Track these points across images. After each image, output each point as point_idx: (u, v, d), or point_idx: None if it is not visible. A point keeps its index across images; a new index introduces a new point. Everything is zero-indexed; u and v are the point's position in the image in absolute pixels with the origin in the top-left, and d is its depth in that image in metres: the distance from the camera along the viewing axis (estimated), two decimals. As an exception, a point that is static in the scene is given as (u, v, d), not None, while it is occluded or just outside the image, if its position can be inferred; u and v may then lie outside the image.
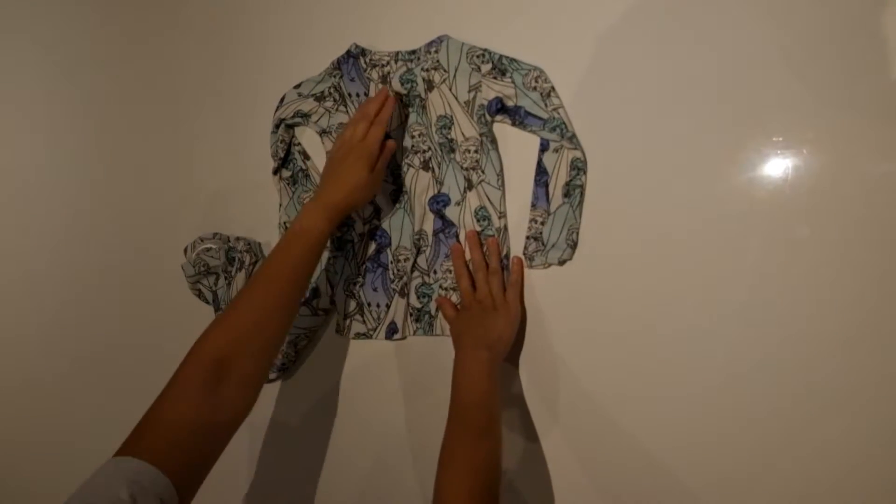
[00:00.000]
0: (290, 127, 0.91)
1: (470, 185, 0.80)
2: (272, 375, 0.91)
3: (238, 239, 0.94)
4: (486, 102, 0.79)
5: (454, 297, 0.82)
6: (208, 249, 0.94)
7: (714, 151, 0.69)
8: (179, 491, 0.55)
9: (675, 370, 0.70)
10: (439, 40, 0.82)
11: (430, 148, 0.83)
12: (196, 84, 1.02)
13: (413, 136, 0.84)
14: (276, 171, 0.90)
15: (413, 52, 0.84)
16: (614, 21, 0.74)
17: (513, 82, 0.78)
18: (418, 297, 0.84)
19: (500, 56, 0.79)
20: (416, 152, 0.84)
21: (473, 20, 0.81)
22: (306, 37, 0.93)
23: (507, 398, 0.79)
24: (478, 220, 0.80)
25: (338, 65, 0.88)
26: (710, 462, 0.69)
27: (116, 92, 1.10)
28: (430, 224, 0.83)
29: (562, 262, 0.76)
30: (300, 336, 0.89)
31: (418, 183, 0.84)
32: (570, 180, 0.75)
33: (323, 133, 0.89)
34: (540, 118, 0.77)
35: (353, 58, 0.87)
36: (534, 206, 0.77)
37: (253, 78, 0.97)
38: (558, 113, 0.76)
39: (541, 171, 0.77)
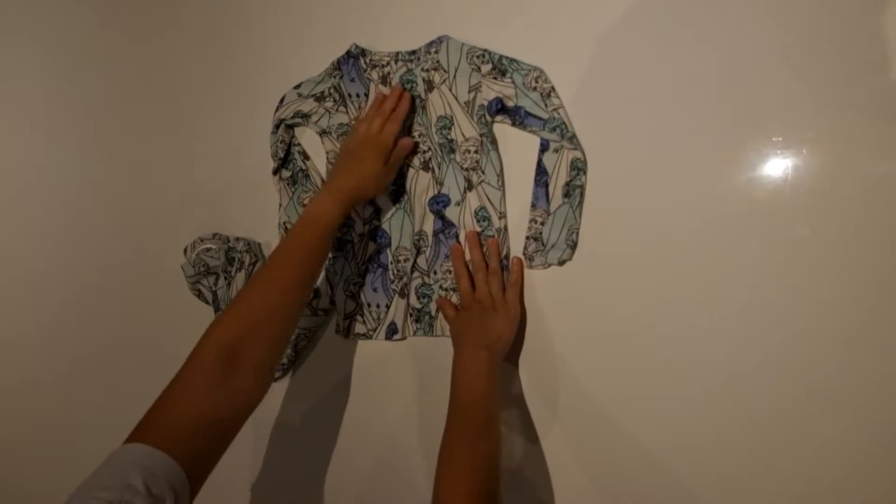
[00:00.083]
0: (290, 127, 0.91)
1: (470, 186, 0.80)
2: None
3: (238, 239, 0.94)
4: (486, 103, 0.79)
5: (454, 298, 0.82)
6: (208, 249, 0.94)
7: (714, 151, 0.69)
8: (190, 480, 0.54)
9: (675, 370, 0.70)
10: (439, 40, 0.82)
11: (430, 148, 0.83)
12: (196, 84, 1.02)
13: (413, 137, 0.84)
14: (275, 172, 0.90)
15: (413, 52, 0.84)
16: (614, 21, 0.74)
17: (513, 82, 0.78)
18: (418, 298, 0.84)
19: (500, 56, 0.79)
20: (415, 152, 0.84)
21: (473, 20, 0.81)
22: (306, 37, 0.93)
23: (507, 398, 0.79)
24: (478, 221, 0.80)
25: (338, 65, 0.88)
26: (710, 462, 0.69)
27: (116, 92, 1.10)
28: (430, 224, 0.83)
29: (562, 263, 0.76)
30: (300, 336, 0.89)
31: (418, 183, 0.84)
32: (570, 180, 0.75)
33: (323, 133, 0.89)
34: (540, 118, 0.76)
35: (353, 58, 0.87)
36: (534, 206, 0.77)
37: (253, 78, 0.97)
38: (558, 113, 0.75)
39: (541, 172, 0.77)
